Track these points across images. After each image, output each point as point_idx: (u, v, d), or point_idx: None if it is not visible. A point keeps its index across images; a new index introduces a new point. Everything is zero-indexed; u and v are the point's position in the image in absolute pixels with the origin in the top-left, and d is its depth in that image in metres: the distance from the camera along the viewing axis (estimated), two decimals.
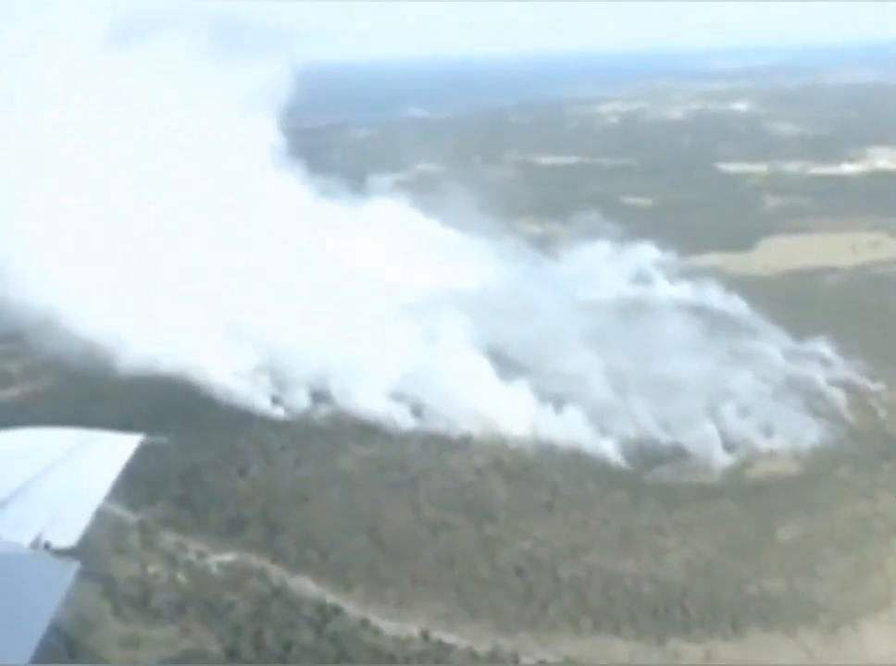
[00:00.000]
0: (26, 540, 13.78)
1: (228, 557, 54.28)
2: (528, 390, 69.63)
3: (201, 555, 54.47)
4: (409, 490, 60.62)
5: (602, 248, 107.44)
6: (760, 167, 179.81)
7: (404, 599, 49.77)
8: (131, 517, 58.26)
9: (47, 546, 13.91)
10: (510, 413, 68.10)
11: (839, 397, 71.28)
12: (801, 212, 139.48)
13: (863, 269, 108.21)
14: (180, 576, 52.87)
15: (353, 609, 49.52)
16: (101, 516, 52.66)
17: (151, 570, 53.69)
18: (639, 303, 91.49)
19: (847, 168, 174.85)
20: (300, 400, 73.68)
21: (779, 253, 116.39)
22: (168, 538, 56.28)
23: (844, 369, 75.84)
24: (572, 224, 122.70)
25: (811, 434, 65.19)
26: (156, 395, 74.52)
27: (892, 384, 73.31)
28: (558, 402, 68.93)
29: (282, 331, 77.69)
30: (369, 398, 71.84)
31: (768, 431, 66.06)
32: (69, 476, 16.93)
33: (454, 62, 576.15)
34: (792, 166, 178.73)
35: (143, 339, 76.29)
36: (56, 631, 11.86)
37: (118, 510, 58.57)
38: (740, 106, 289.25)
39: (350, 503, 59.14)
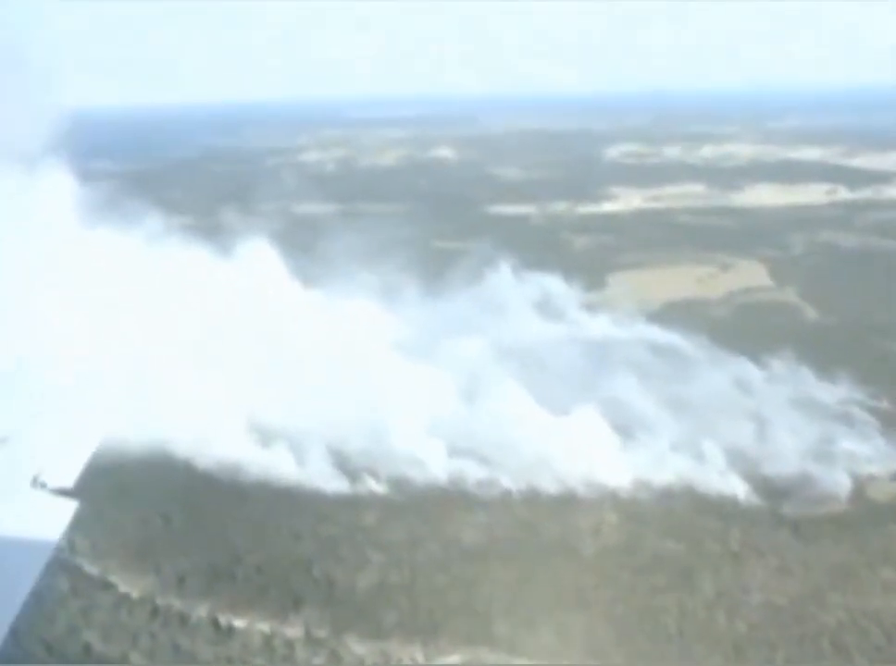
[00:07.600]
0: (25, 479, 13.96)
1: (453, 659, 45.58)
2: (596, 426, 65.85)
3: (420, 663, 45.25)
4: (572, 558, 54.53)
5: (485, 288, 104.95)
6: (528, 208, 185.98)
7: None
8: (287, 630, 47.67)
9: (45, 485, 14.09)
10: (596, 456, 63.94)
11: (860, 414, 74.07)
12: (614, 249, 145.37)
13: (729, 299, 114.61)
14: None
15: None
16: (246, 635, 42.33)
17: None
18: (593, 338, 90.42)
19: (609, 207, 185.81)
20: (323, 467, 64.63)
21: (634, 289, 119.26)
22: (357, 649, 46.28)
23: (837, 390, 78.87)
24: (412, 269, 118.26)
25: (882, 451, 67.20)
26: (152, 479, 62.23)
27: (893, 400, 77.49)
28: (625, 437, 66.03)
29: (262, 390, 67.93)
30: (419, 456, 64.57)
31: (834, 451, 67.17)
32: (67, 418, 17.11)
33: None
34: (558, 207, 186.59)
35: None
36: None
37: (261, 626, 47.91)
38: (446, 153, 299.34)
39: (525, 579, 52.16)
